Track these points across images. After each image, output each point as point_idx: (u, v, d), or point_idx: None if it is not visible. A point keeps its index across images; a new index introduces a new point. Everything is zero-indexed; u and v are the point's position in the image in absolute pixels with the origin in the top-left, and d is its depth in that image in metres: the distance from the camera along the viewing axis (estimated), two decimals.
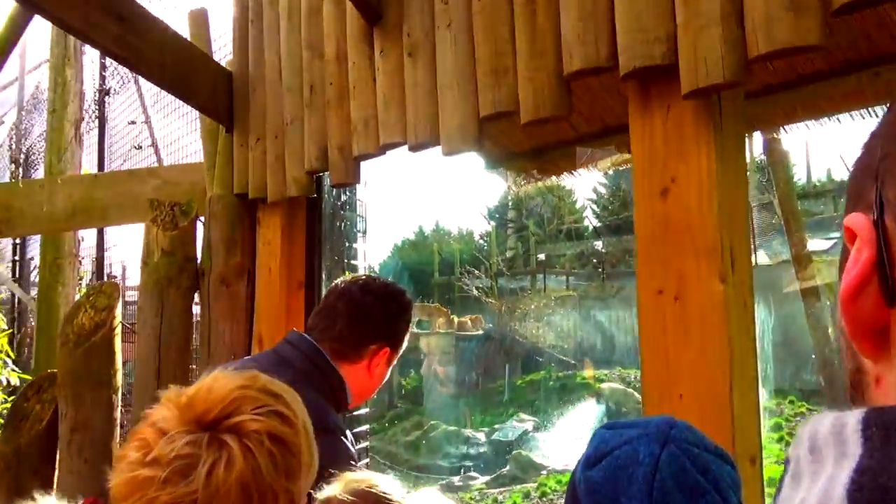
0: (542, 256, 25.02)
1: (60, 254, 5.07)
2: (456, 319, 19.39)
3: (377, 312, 1.56)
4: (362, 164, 2.43)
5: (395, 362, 1.65)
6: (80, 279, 5.44)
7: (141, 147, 6.05)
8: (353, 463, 1.37)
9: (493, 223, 31.96)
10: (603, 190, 30.04)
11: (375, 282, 1.61)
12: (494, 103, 1.85)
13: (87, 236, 6.01)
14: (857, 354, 0.44)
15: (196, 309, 2.89)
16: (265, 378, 0.91)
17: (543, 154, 3.52)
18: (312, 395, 1.42)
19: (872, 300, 0.42)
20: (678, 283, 1.56)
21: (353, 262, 2.91)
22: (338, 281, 1.64)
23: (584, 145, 3.35)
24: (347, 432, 1.42)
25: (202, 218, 2.89)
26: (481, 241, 36.68)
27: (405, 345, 1.65)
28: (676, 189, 1.57)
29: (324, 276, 2.73)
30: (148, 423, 0.84)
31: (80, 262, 5.53)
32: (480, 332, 19.41)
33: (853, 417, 0.38)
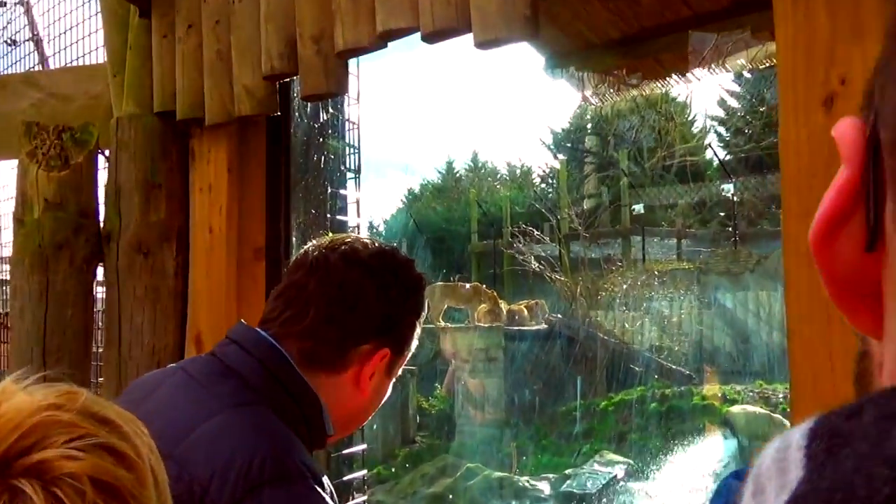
0: (639, 208, 24.90)
1: None
2: (505, 307, 19.48)
3: (370, 293, 1.57)
4: (351, 63, 2.40)
5: (399, 372, 1.67)
6: None
7: (15, 42, 6.10)
8: None
9: (561, 156, 31.85)
10: (735, 103, 29.64)
11: (367, 247, 1.62)
12: None
13: None
14: (865, 335, 0.45)
15: (100, 291, 2.93)
16: (89, 396, 0.87)
17: (640, 46, 3.46)
18: (271, 422, 1.44)
19: (854, 243, 0.43)
20: None
21: (339, 217, 2.92)
22: (309, 246, 1.65)
23: (704, 30, 3.28)
24: (325, 480, 1.43)
25: (106, 151, 2.90)
26: (544, 186, 36.48)
27: (415, 344, 1.67)
28: (848, 94, 1.53)
29: (294, 239, 2.75)
30: None
31: None
32: (542, 325, 19.47)
33: (798, 433, 0.40)
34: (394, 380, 1.67)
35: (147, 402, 1.50)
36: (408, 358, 1.67)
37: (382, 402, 1.67)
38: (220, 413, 1.43)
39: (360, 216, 3.07)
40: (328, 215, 2.95)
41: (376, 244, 1.65)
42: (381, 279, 1.59)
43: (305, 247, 1.66)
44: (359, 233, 3.05)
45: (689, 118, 29.82)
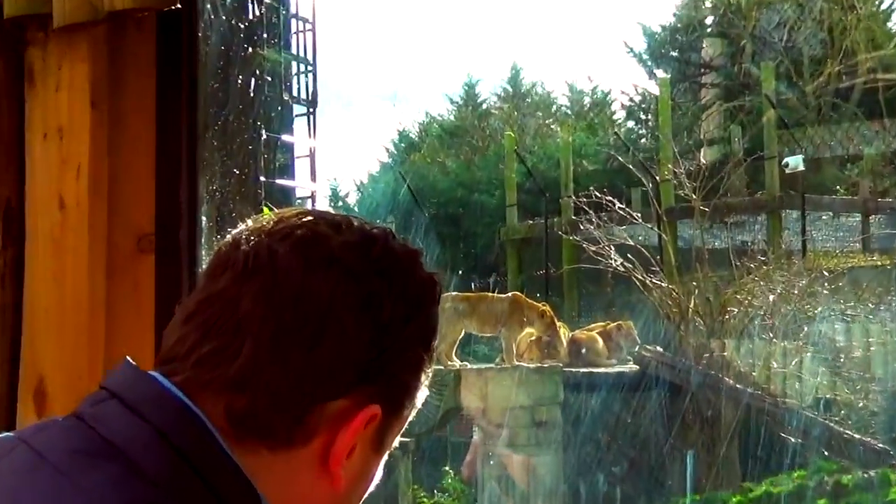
0: (795, 163, 24.86)
1: None
2: (566, 333, 19.48)
3: (346, 312, 1.56)
4: None
5: (394, 443, 1.68)
6: None
7: None
8: None
9: (662, 74, 31.57)
10: None
11: (339, 230, 1.62)
12: None
13: None
14: None
15: None
16: None
17: None
18: None
19: None
20: None
21: (281, 180, 2.90)
22: (239, 231, 1.65)
23: None
24: None
25: None
26: (632, 124, 36.13)
27: (422, 396, 1.68)
28: None
29: (204, 219, 2.74)
30: None
31: None
32: (629, 365, 19.47)
33: None
34: (386, 457, 1.67)
35: None
36: (409, 420, 1.67)
37: (366, 494, 1.67)
38: None
39: (317, 178, 3.07)
40: (262, 178, 2.96)
41: (354, 224, 1.64)
42: (366, 286, 1.58)
43: (234, 232, 1.65)
44: (314, 205, 3.05)
45: (884, 6, 29.73)
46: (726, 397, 18.58)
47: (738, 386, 18.80)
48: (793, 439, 17.87)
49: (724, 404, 18.51)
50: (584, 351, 19.25)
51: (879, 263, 20.90)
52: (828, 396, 19.26)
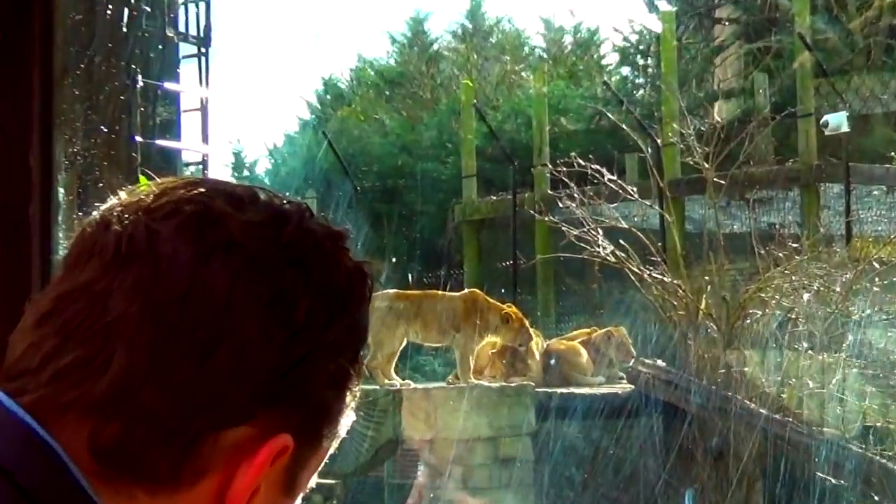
0: (836, 122, 24.97)
1: None
2: (539, 343, 19.53)
3: (249, 313, 1.56)
4: None
5: (311, 483, 1.68)
6: None
7: None
8: None
9: (666, 5, 31.66)
10: None
11: (240, 205, 1.61)
12: None
13: None
14: None
15: None
16: None
17: None
18: None
19: None
20: None
21: (163, 141, 2.91)
22: (109, 208, 1.63)
23: None
24: None
25: None
26: (627, 72, 36.31)
27: (347, 421, 1.68)
28: None
29: (61, 190, 2.74)
30: None
31: None
32: (620, 384, 19.55)
33: None
34: (299, 501, 1.66)
35: None
36: (329, 453, 1.67)
37: None
38: None
39: (210, 139, 3.08)
40: (137, 137, 2.95)
41: (261, 198, 1.64)
42: (275, 278, 1.57)
43: (102, 208, 1.63)
44: (208, 173, 3.05)
45: None
46: (737, 422, 18.63)
47: (761, 410, 18.86)
48: (832, 479, 17.94)
49: (735, 432, 18.56)
50: (552, 361, 19.28)
51: None
52: (878, 424, 19.33)
